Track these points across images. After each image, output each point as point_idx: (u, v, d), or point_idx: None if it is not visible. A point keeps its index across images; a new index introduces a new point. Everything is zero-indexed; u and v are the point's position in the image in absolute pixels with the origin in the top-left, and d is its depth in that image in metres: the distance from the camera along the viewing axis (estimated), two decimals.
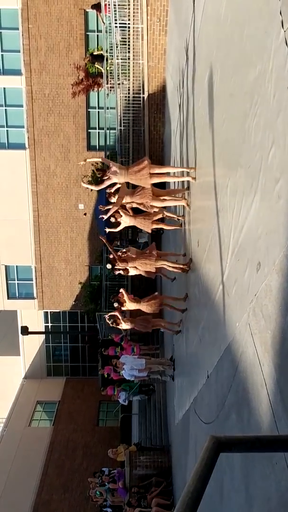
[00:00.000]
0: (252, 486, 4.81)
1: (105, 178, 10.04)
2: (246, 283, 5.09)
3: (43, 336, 27.68)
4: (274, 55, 4.21)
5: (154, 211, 10.48)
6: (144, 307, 11.28)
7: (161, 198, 10.28)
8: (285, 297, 3.93)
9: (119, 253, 10.70)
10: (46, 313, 26.95)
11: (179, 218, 11.11)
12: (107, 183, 10.09)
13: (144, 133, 19.44)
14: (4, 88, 21.08)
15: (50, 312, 26.83)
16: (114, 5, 17.14)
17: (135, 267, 10.62)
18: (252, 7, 5.10)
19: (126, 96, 18.88)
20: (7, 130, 21.76)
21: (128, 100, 18.91)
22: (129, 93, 18.81)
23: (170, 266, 10.73)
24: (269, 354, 4.34)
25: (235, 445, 1.91)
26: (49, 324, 27.47)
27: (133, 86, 18.71)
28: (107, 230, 11.38)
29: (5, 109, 21.42)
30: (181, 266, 10.19)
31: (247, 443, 1.94)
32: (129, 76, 18.53)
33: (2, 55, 20.57)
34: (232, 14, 6.20)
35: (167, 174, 11.23)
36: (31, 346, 28.09)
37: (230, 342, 5.90)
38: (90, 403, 26.97)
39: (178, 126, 13.49)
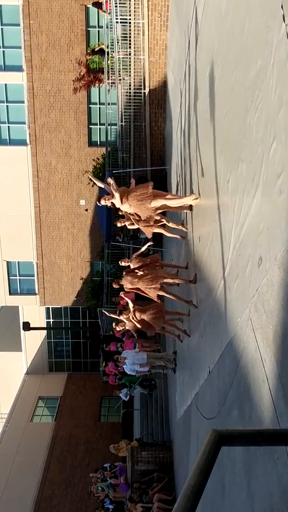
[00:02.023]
0: (253, 481, 4.82)
1: (106, 200, 10.03)
2: (247, 278, 5.08)
3: (44, 332, 27.73)
4: (276, 49, 4.20)
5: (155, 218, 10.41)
6: (147, 317, 11.26)
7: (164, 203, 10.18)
8: (287, 292, 3.93)
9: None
10: (47, 309, 27.00)
11: (184, 228, 11.02)
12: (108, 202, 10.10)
13: (145, 129, 19.41)
14: (6, 84, 21.04)
15: (52, 308, 26.87)
16: (115, 0, 17.09)
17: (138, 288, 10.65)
18: (253, 1, 5.08)
19: (127, 92, 18.85)
20: (8, 126, 21.74)
21: (129, 95, 18.88)
22: (130, 88, 18.78)
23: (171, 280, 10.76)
24: (270, 349, 4.34)
25: (236, 438, 1.91)
26: (51, 320, 27.52)
27: (134, 82, 18.67)
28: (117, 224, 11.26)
29: (7, 105, 21.39)
30: (186, 280, 10.05)
31: (248, 436, 1.94)
32: (130, 71, 18.50)
33: (3, 51, 20.53)
34: (233, 9, 6.17)
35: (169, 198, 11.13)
36: (33, 342, 28.15)
37: (232, 338, 5.90)
38: (92, 399, 27.04)
39: (179, 121, 13.47)
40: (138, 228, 10.62)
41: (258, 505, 4.62)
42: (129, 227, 10.62)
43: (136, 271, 10.52)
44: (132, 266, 10.84)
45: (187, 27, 11.39)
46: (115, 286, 11.96)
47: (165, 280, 10.61)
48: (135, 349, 15.50)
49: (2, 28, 20.21)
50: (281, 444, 2.01)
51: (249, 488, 4.99)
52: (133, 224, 10.23)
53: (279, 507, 4.01)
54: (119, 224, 10.74)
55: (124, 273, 10.98)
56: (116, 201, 9.70)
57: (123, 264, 11.30)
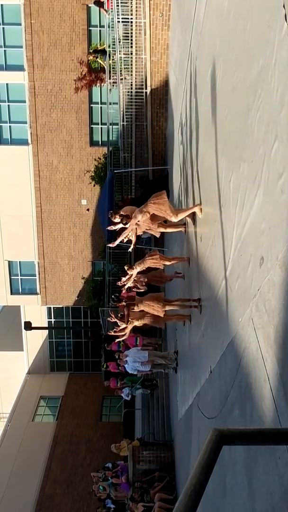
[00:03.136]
0: (255, 481, 4.82)
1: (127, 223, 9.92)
2: (249, 278, 5.08)
3: (46, 332, 27.75)
4: (278, 49, 4.19)
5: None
6: (148, 321, 11.30)
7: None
8: None
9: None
10: (49, 308, 27.01)
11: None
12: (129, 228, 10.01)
13: (147, 128, 19.41)
14: (7, 84, 21.06)
15: (53, 307, 26.89)
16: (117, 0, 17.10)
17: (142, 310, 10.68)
18: (255, 1, 5.08)
19: (128, 91, 18.85)
20: (10, 126, 21.75)
21: (131, 95, 18.88)
22: (131, 88, 18.78)
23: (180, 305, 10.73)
24: (272, 349, 4.34)
25: (237, 437, 1.91)
26: (52, 320, 27.54)
27: (135, 81, 18.67)
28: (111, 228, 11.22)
29: (8, 105, 21.42)
30: (192, 304, 9.99)
31: (250, 435, 1.94)
32: (131, 71, 18.49)
33: (4, 50, 20.54)
34: (235, 8, 6.17)
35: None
36: (35, 342, 28.17)
37: (233, 337, 5.90)
38: (93, 398, 27.06)
39: (181, 121, 13.47)
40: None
41: (259, 505, 4.62)
42: (131, 235, 10.51)
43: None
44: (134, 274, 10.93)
45: (189, 27, 11.39)
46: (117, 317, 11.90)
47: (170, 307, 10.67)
48: (136, 344, 15.47)
49: (3, 28, 20.23)
50: (282, 444, 2.01)
51: (250, 488, 4.99)
52: (134, 231, 10.16)
53: (280, 507, 4.01)
54: (118, 242, 10.60)
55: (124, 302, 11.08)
56: (138, 219, 9.61)
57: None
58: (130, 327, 11.50)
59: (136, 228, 9.96)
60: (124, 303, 11.47)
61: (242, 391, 5.50)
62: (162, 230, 10.68)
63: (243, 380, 5.46)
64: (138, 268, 11.03)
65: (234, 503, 5.78)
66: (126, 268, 11.54)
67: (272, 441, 2.00)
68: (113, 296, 14.00)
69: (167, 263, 11.14)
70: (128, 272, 11.39)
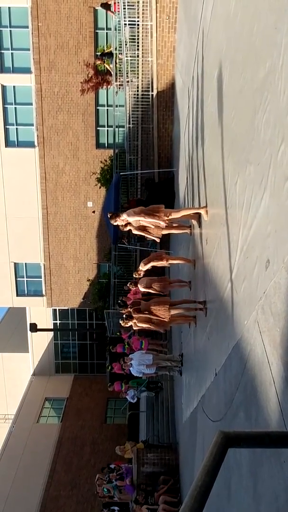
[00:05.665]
0: (260, 484, 4.80)
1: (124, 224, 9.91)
2: (254, 281, 5.06)
3: (51, 333, 27.79)
4: (284, 51, 4.19)
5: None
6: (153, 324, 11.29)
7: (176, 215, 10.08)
8: None
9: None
10: (54, 310, 27.05)
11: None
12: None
13: (153, 131, 19.43)
14: (14, 86, 21.14)
15: (59, 309, 26.93)
16: (124, 2, 17.14)
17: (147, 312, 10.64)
18: (262, 3, 5.08)
19: (135, 94, 18.88)
20: (16, 128, 21.83)
21: (137, 97, 18.91)
22: (138, 90, 18.81)
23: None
24: (277, 352, 4.33)
25: (244, 440, 1.90)
26: (58, 322, 27.58)
27: (142, 84, 18.70)
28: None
29: (15, 107, 21.50)
30: (198, 306, 9.96)
31: (256, 438, 1.93)
32: (138, 73, 18.53)
33: (12, 53, 20.63)
34: (241, 10, 6.17)
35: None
36: (40, 343, 28.22)
37: (239, 340, 5.88)
38: (98, 400, 27.07)
39: (187, 123, 13.47)
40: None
41: (264, 508, 4.61)
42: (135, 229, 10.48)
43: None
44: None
45: (196, 29, 11.40)
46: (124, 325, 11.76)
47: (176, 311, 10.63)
48: (141, 348, 15.45)
49: (10, 30, 20.32)
50: None
51: (255, 491, 4.97)
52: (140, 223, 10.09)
53: (285, 510, 4.00)
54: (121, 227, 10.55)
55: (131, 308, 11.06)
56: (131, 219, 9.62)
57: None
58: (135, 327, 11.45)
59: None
60: (129, 309, 11.42)
61: (247, 394, 5.48)
62: (167, 231, 10.65)
63: (248, 383, 5.44)
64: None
65: (239, 506, 5.76)
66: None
67: (279, 444, 1.99)
68: (119, 301, 13.92)
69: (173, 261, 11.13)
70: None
